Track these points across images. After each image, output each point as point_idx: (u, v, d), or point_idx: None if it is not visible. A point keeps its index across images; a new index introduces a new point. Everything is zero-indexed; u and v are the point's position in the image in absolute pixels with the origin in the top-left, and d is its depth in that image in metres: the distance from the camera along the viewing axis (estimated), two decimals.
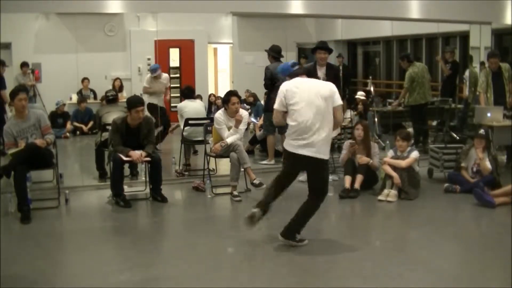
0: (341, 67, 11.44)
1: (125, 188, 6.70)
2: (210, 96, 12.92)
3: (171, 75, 13.01)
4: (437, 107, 10.05)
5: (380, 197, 6.60)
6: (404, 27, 11.04)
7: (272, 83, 8.25)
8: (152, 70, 9.70)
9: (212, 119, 7.25)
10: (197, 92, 10.39)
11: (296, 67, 6.18)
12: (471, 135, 8.11)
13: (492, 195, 6.35)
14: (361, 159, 6.88)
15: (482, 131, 7.06)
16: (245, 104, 11.06)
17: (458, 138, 9.61)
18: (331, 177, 7.27)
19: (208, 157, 7.10)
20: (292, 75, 5.13)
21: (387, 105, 10.98)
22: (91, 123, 11.59)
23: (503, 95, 8.39)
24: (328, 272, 4.48)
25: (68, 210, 6.41)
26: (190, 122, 7.80)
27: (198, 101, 8.66)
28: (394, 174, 6.62)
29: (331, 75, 7.35)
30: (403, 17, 9.36)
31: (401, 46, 13.04)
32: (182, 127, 7.90)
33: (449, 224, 5.85)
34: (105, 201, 6.67)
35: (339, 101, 4.88)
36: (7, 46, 11.40)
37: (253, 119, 10.48)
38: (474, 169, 6.93)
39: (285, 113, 4.92)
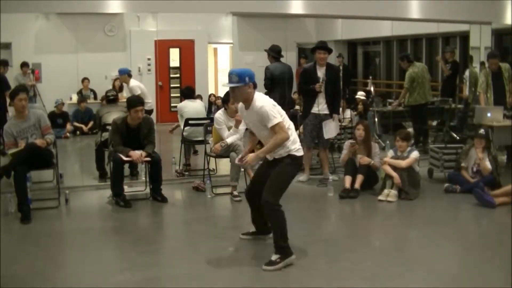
0: (341, 67, 11.46)
1: (125, 188, 6.71)
2: (210, 96, 12.92)
3: (171, 75, 13.07)
4: (437, 107, 10.05)
5: (380, 197, 6.60)
6: (404, 27, 11.04)
7: (272, 83, 8.25)
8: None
9: (212, 119, 7.25)
10: (197, 92, 10.38)
11: None
12: (471, 135, 8.11)
13: (492, 195, 6.35)
14: (363, 159, 6.88)
15: (482, 131, 7.06)
16: None
17: (458, 138, 9.60)
18: (331, 177, 7.30)
19: (208, 157, 7.10)
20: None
21: (387, 105, 10.98)
22: (91, 123, 11.59)
23: (503, 95, 8.39)
24: (328, 272, 4.48)
25: (68, 210, 6.41)
26: (190, 122, 7.80)
27: (198, 101, 8.66)
28: (394, 174, 6.62)
29: (331, 75, 7.36)
30: (403, 17, 9.35)
31: (401, 46, 13.04)
32: (182, 127, 7.90)
33: (449, 224, 5.85)
34: (105, 201, 6.67)
35: None
36: (7, 46, 11.40)
37: None
38: (474, 169, 6.93)
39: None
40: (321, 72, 7.30)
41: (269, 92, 8.41)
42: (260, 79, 8.44)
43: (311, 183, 7.44)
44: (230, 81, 4.54)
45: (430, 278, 4.31)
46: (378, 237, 5.67)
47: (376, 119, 10.05)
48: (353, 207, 6.57)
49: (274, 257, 4.50)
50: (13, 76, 11.24)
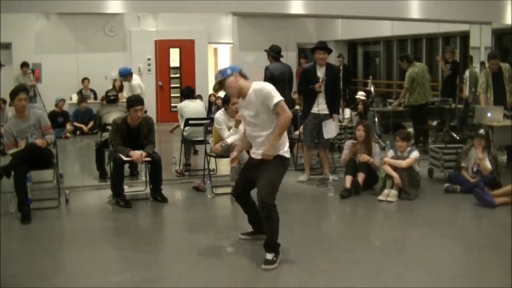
0: (341, 67, 11.46)
1: (125, 188, 6.70)
2: (210, 96, 12.90)
3: (172, 75, 13.07)
4: (437, 107, 10.05)
5: (380, 197, 6.60)
6: (404, 27, 11.04)
7: (272, 83, 8.23)
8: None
9: (212, 119, 7.25)
10: (197, 92, 10.39)
11: None
12: (471, 135, 8.12)
13: (492, 195, 6.35)
14: (361, 156, 6.88)
15: (482, 131, 7.05)
16: None
17: (458, 138, 9.60)
18: (331, 177, 7.30)
19: (208, 157, 7.10)
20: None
21: (387, 105, 10.98)
22: (91, 123, 11.59)
23: (503, 95, 8.39)
24: (328, 272, 4.48)
25: (68, 210, 6.42)
26: (190, 122, 7.80)
27: (198, 101, 8.66)
28: (394, 174, 6.61)
29: (331, 75, 7.36)
30: (403, 17, 9.36)
31: (401, 46, 13.04)
32: (182, 127, 7.90)
33: (449, 224, 5.85)
34: (106, 201, 6.67)
35: None
36: (7, 46, 11.39)
37: None
38: (474, 169, 6.93)
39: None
40: (321, 72, 7.30)
41: None
42: (260, 79, 8.49)
43: (311, 183, 7.44)
44: (215, 79, 4.70)
45: (430, 278, 4.31)
46: (378, 237, 5.67)
47: (376, 119, 10.05)
48: (353, 207, 6.57)
49: (270, 256, 4.51)
50: (13, 76, 11.24)
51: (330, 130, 7.38)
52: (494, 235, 5.53)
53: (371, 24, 11.48)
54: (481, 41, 10.51)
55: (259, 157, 4.61)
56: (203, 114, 8.45)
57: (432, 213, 6.24)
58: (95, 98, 12.44)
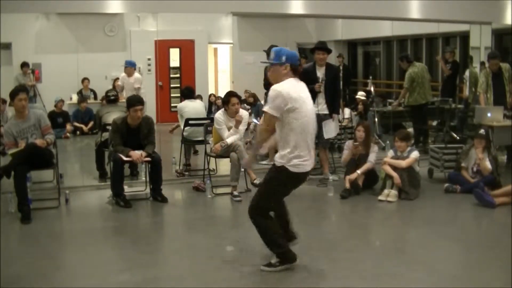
0: (341, 67, 11.46)
1: (125, 188, 6.70)
2: (210, 96, 12.92)
3: (172, 75, 13.07)
4: (437, 107, 10.05)
5: (380, 197, 6.60)
6: (404, 27, 11.04)
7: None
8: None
9: (212, 119, 7.25)
10: (197, 92, 10.39)
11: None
12: (471, 135, 8.11)
13: (492, 195, 6.35)
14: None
15: (482, 131, 7.06)
16: (245, 105, 11.07)
17: (458, 138, 9.60)
18: (331, 177, 7.30)
19: (208, 157, 7.10)
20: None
21: (387, 105, 10.98)
22: (91, 123, 11.59)
23: (503, 95, 8.38)
24: (328, 272, 4.48)
25: (68, 210, 6.42)
26: (190, 122, 7.80)
27: (198, 101, 8.67)
28: (394, 174, 6.61)
29: (331, 75, 7.36)
30: (403, 17, 9.36)
31: (401, 46, 13.04)
32: (182, 127, 7.90)
33: (449, 224, 5.85)
34: (105, 201, 6.67)
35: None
36: (7, 46, 11.39)
37: (254, 120, 10.48)
38: (474, 169, 6.93)
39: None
40: (320, 72, 7.30)
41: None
42: (260, 79, 8.50)
43: (311, 183, 7.43)
44: (269, 58, 4.23)
45: (430, 278, 4.31)
46: (378, 237, 5.67)
47: (376, 119, 10.05)
48: (353, 207, 6.57)
49: (274, 260, 4.45)
50: (13, 76, 11.24)
51: (330, 130, 7.38)
52: (494, 235, 5.53)
53: (371, 24, 11.48)
54: (481, 41, 10.51)
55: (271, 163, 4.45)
56: (203, 114, 8.45)
57: (432, 213, 6.24)
58: (95, 98, 12.44)
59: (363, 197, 6.75)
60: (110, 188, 6.64)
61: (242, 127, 6.90)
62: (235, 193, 6.72)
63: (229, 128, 6.81)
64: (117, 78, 11.95)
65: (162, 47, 12.50)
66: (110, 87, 11.11)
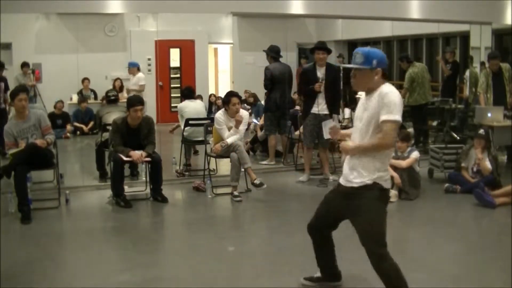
0: (341, 67, 11.44)
1: (126, 188, 6.70)
2: (210, 96, 12.93)
3: (172, 75, 13.08)
4: (438, 107, 10.05)
5: None
6: (404, 27, 11.04)
7: (272, 83, 8.26)
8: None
9: (212, 119, 7.25)
10: (197, 92, 10.40)
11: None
12: (471, 135, 8.11)
13: (493, 195, 6.35)
14: None
15: (482, 131, 7.06)
16: (245, 105, 11.08)
17: (458, 138, 9.60)
18: (331, 177, 7.30)
19: (208, 157, 7.10)
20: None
21: None
22: (91, 124, 11.59)
23: (503, 95, 8.39)
24: None
25: (68, 210, 6.41)
26: (190, 122, 7.80)
27: (198, 101, 8.67)
28: (394, 174, 6.61)
29: (331, 75, 7.36)
30: (403, 17, 9.36)
31: (401, 46, 13.04)
32: (182, 127, 7.90)
33: (449, 224, 5.85)
34: (106, 201, 6.67)
35: None
36: (7, 46, 11.39)
37: (254, 120, 10.49)
38: (475, 169, 6.93)
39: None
40: (320, 73, 7.30)
41: (269, 92, 8.44)
42: (260, 79, 8.51)
43: (311, 183, 7.44)
44: (354, 61, 3.53)
45: (430, 278, 4.31)
46: None
47: None
48: None
49: None
50: (13, 76, 11.24)
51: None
52: (494, 235, 5.53)
53: (371, 24, 11.48)
54: (481, 41, 10.51)
55: (349, 185, 3.70)
56: (203, 114, 8.45)
57: (432, 213, 6.24)
58: (95, 98, 12.45)
59: None
60: (110, 188, 6.64)
61: (243, 127, 6.90)
62: (236, 193, 6.72)
63: (229, 128, 6.81)
64: (117, 78, 11.99)
65: (162, 47, 12.51)
66: (110, 87, 11.12)
